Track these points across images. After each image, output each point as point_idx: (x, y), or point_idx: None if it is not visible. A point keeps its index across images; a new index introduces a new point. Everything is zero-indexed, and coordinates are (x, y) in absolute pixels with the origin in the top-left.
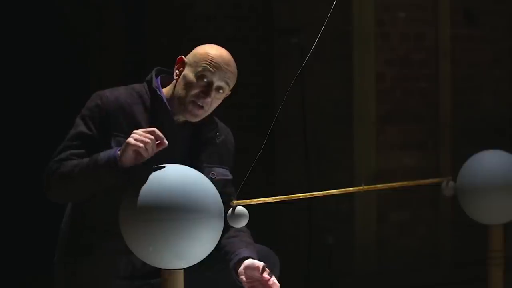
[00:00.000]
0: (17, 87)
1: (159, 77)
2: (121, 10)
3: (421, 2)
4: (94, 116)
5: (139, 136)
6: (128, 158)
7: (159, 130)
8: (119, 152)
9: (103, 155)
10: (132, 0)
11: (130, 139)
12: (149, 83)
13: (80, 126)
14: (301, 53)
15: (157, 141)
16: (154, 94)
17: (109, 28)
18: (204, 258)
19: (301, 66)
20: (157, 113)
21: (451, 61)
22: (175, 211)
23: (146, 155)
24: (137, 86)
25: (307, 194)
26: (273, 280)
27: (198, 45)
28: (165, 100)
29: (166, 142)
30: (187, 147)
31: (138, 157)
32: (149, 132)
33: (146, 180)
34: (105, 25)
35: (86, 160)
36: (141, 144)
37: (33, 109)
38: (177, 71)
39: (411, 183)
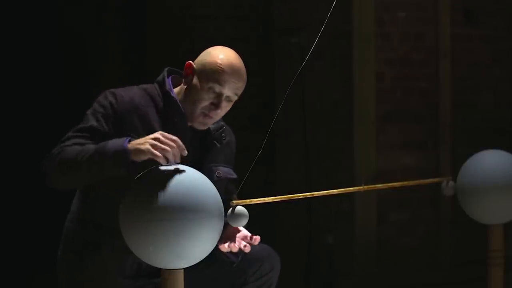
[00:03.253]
0: (17, 87)
1: (170, 78)
2: (121, 10)
3: (421, 2)
4: (107, 114)
5: (161, 145)
6: (141, 157)
7: (172, 131)
8: (128, 145)
9: (112, 145)
10: (131, 0)
11: (149, 147)
12: (161, 84)
13: (92, 121)
14: (301, 53)
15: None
16: (166, 96)
17: (109, 28)
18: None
19: (301, 66)
20: (169, 115)
21: (451, 60)
22: (175, 211)
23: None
24: (148, 87)
25: (307, 194)
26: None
27: (198, 45)
28: (179, 103)
29: (186, 152)
30: (196, 147)
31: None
32: (172, 140)
33: (147, 180)
34: (105, 25)
35: (91, 147)
36: (159, 154)
37: (33, 108)
38: (186, 77)
39: (411, 183)
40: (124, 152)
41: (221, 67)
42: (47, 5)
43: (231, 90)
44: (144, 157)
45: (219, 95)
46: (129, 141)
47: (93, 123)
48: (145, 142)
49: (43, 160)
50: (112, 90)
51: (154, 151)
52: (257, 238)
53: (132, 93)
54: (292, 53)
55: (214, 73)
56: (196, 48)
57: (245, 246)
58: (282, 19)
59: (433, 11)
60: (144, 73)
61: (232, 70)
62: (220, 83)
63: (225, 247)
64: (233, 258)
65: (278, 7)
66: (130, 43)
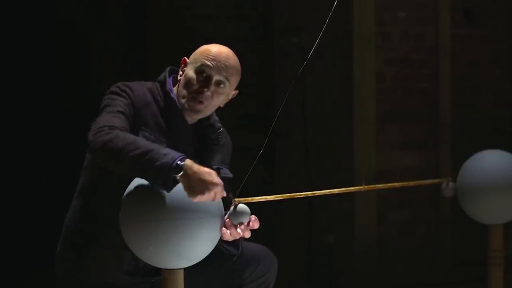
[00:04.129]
0: (16, 87)
1: (171, 78)
2: (121, 10)
3: (421, 2)
4: (127, 102)
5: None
6: (189, 181)
7: (172, 129)
8: (179, 162)
9: (163, 156)
10: (132, 0)
11: (208, 192)
12: (162, 83)
13: (119, 106)
14: (301, 53)
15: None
16: (166, 95)
17: (109, 28)
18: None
19: (302, 66)
20: (170, 114)
21: (451, 60)
22: (175, 211)
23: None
24: (149, 84)
25: (308, 193)
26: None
27: (199, 45)
28: (177, 103)
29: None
30: (194, 147)
31: None
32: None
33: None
34: (105, 25)
35: (144, 145)
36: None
37: (33, 108)
38: (181, 71)
39: (411, 183)
40: (175, 169)
41: (210, 51)
42: (47, 5)
43: (220, 74)
44: (190, 184)
45: (208, 77)
46: (182, 158)
47: (121, 108)
48: (205, 182)
49: (92, 132)
50: (125, 82)
51: (201, 196)
52: (254, 223)
53: (145, 89)
54: (292, 53)
55: (203, 56)
56: (196, 48)
57: (244, 230)
58: (282, 19)
59: (433, 11)
60: (144, 73)
61: (220, 53)
62: (208, 65)
63: (227, 234)
64: (233, 250)
65: (278, 7)
66: (130, 43)
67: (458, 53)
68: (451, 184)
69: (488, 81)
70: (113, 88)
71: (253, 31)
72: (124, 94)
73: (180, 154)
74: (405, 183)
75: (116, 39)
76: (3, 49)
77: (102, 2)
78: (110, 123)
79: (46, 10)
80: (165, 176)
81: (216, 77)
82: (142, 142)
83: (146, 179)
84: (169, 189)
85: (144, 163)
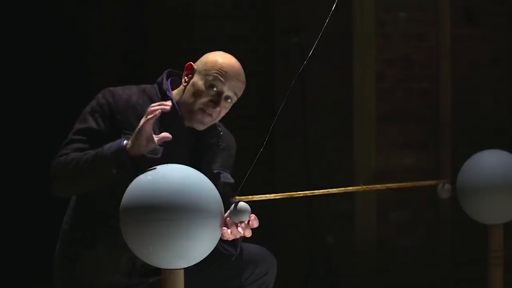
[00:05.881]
0: (16, 87)
1: (169, 80)
2: (121, 10)
3: (421, 2)
4: (104, 113)
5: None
6: (139, 146)
7: (168, 132)
8: (125, 142)
9: (110, 146)
10: (132, 0)
11: (142, 122)
12: (160, 85)
13: (89, 121)
14: (301, 53)
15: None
16: (164, 97)
17: (109, 28)
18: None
19: (302, 66)
20: (166, 116)
21: (452, 61)
22: (175, 211)
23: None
24: (147, 87)
25: (308, 192)
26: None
27: (197, 45)
28: (175, 103)
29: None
30: (193, 150)
31: (149, 144)
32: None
33: (146, 180)
34: (105, 25)
35: (92, 152)
36: (153, 114)
37: (33, 109)
38: (186, 77)
39: (408, 184)
40: (123, 149)
41: (222, 64)
42: (47, 5)
43: (230, 89)
44: (143, 141)
45: (219, 93)
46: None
47: (92, 123)
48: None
49: (49, 170)
50: (111, 88)
51: (148, 116)
52: (253, 221)
53: (130, 92)
54: (292, 53)
55: (216, 71)
56: (196, 48)
57: (244, 229)
58: (282, 19)
59: (433, 12)
60: (144, 73)
61: (232, 70)
62: (221, 80)
63: (227, 232)
64: (232, 250)
65: (278, 7)
66: (130, 43)
67: (459, 54)
68: (447, 186)
69: (488, 81)
70: (97, 96)
71: (253, 31)
72: (103, 102)
73: (120, 139)
74: (402, 184)
75: (115, 38)
76: (3, 50)
77: (102, 1)
78: (64, 151)
79: (45, 10)
80: (121, 158)
81: (226, 93)
82: (88, 153)
83: (108, 176)
84: (129, 168)
85: (99, 165)
